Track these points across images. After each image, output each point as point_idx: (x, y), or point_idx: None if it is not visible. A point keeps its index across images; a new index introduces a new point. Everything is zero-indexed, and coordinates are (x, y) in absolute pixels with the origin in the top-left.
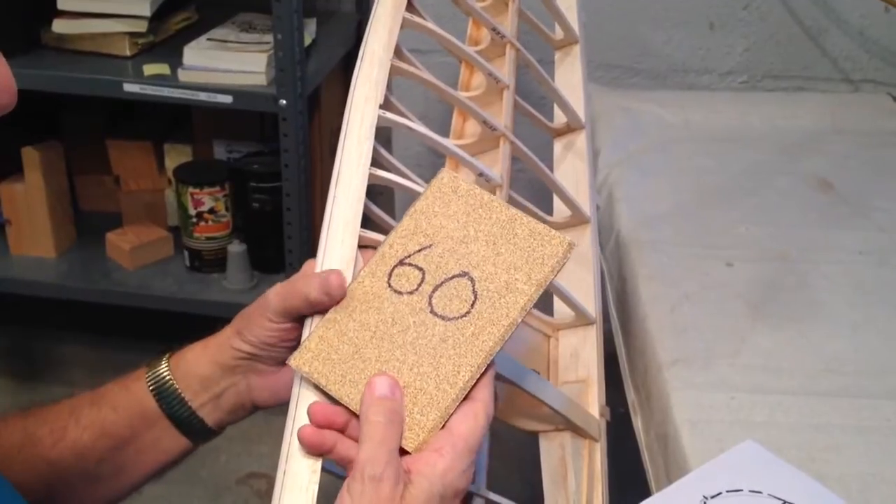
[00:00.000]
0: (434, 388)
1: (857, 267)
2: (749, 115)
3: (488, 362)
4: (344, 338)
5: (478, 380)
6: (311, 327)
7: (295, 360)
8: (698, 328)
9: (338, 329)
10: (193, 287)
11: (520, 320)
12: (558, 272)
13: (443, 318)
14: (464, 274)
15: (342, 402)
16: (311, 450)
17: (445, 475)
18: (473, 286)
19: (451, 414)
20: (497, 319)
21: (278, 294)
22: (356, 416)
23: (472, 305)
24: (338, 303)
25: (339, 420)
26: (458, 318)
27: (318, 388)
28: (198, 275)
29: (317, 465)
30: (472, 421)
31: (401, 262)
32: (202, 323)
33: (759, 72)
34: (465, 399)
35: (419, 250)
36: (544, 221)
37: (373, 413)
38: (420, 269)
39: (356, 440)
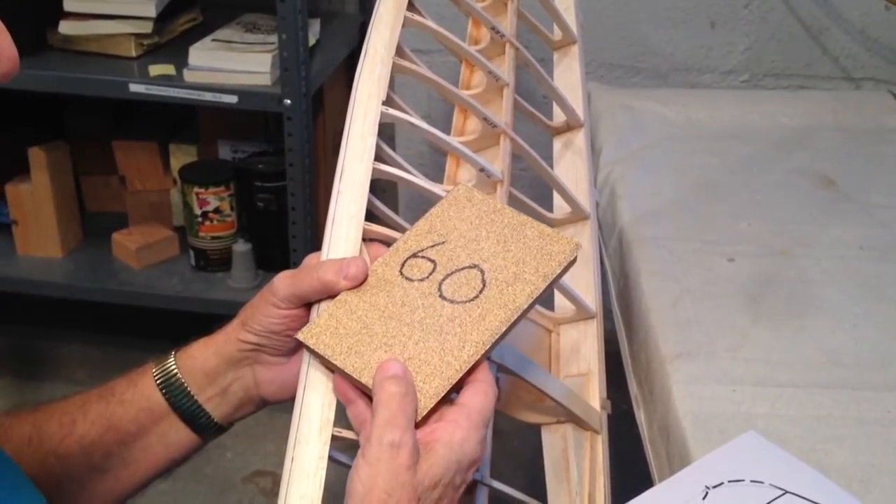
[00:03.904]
0: (438, 360)
1: (857, 262)
2: (750, 112)
3: (493, 341)
4: (353, 315)
5: (477, 365)
6: (320, 309)
7: (303, 334)
8: (700, 322)
9: (347, 308)
10: (199, 286)
11: (525, 307)
12: (566, 271)
13: (451, 301)
14: (474, 266)
15: (346, 373)
16: (339, 395)
17: (463, 444)
18: (483, 276)
19: (455, 388)
20: (504, 304)
21: (286, 279)
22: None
23: (481, 292)
24: (356, 286)
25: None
26: (466, 301)
27: (324, 365)
28: (203, 274)
29: (324, 451)
30: (483, 396)
31: (414, 255)
32: (207, 322)
33: (760, 70)
34: (470, 380)
35: (432, 245)
36: (545, 218)
37: (388, 384)
38: (432, 261)
39: None
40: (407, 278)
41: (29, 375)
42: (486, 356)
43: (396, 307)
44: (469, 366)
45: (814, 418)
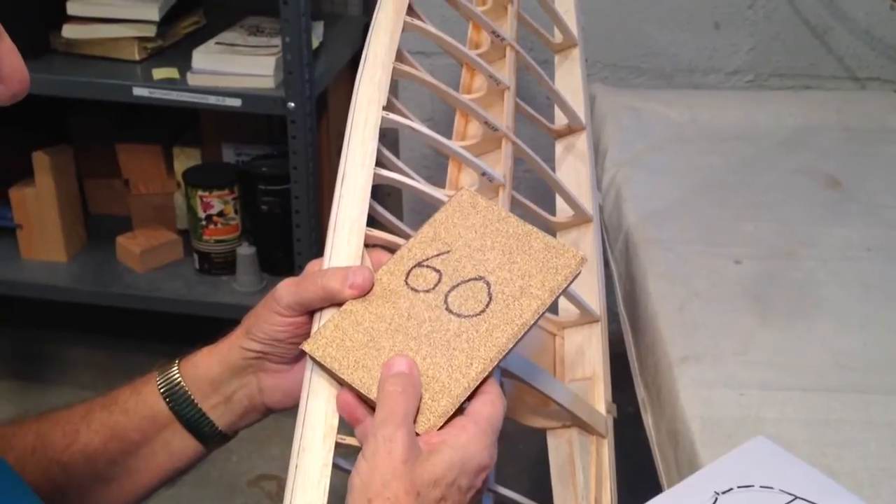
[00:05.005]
0: (447, 377)
1: (864, 263)
2: (755, 113)
3: (500, 357)
4: (359, 327)
5: (485, 380)
6: (324, 319)
7: (308, 345)
8: (707, 325)
9: (353, 319)
10: (203, 289)
11: (532, 323)
12: (571, 284)
13: (458, 315)
14: (480, 278)
15: (354, 387)
16: (345, 414)
17: (467, 445)
18: (489, 289)
19: (464, 403)
20: (511, 319)
21: (290, 286)
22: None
23: (487, 306)
24: (361, 296)
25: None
26: (472, 315)
27: (330, 376)
28: (207, 277)
29: (328, 459)
30: (490, 406)
31: (419, 264)
32: (212, 325)
33: (765, 71)
34: (478, 392)
35: (437, 255)
36: (547, 221)
37: (389, 384)
38: (437, 271)
39: None
40: (412, 289)
41: (34, 379)
42: (494, 371)
43: (403, 320)
44: (477, 383)
45: (823, 422)
